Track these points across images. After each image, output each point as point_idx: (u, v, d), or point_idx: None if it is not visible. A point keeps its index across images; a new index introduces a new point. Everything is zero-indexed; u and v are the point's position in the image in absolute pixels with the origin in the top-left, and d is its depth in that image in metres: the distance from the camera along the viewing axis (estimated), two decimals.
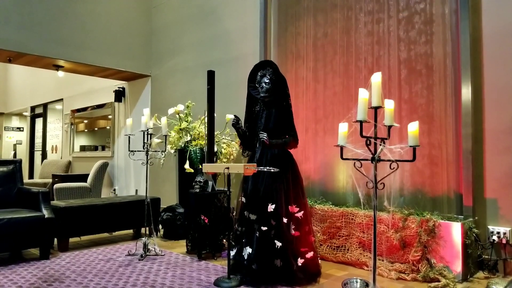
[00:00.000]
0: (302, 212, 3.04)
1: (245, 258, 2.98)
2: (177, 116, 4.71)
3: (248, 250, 2.97)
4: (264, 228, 2.94)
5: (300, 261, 2.93)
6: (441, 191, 3.38)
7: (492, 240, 3.15)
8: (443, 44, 3.42)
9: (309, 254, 3.00)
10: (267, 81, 3.16)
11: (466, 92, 3.26)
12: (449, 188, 3.34)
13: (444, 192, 3.36)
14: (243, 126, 3.30)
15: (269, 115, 3.18)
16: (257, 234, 2.95)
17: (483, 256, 3.18)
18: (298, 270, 2.91)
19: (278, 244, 2.91)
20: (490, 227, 3.19)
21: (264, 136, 3.08)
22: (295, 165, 3.19)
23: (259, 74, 3.24)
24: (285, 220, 2.96)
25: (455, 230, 3.02)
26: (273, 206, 2.96)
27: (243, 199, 3.16)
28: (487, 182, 3.23)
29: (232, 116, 3.38)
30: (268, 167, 2.96)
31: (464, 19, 3.30)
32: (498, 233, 3.13)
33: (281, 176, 3.02)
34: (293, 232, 2.98)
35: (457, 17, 3.36)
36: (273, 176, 3.01)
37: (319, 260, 3.14)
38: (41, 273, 3.18)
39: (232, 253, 3.11)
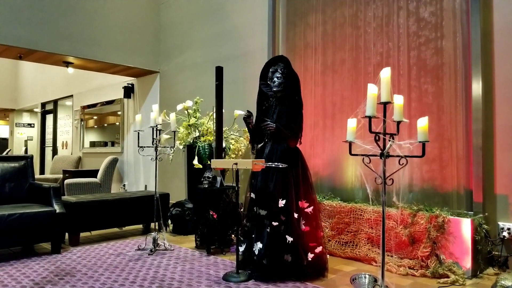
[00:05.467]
0: (312, 207, 3.04)
1: (256, 253, 2.99)
2: (186, 112, 4.73)
3: (259, 245, 2.98)
4: (275, 224, 2.95)
5: (310, 256, 2.94)
6: (450, 187, 3.36)
7: (502, 236, 3.13)
8: (453, 38, 3.38)
9: (318, 249, 3.00)
10: (279, 75, 3.16)
11: (477, 87, 3.23)
12: (459, 184, 3.32)
13: (454, 188, 3.34)
14: (254, 122, 3.29)
15: (282, 111, 3.16)
16: (268, 230, 2.96)
17: (493, 253, 3.15)
18: (308, 265, 2.93)
19: (290, 239, 2.91)
20: (500, 223, 3.16)
21: (271, 125, 3.05)
22: (304, 161, 3.19)
23: (270, 70, 3.24)
24: (295, 215, 2.97)
25: (465, 226, 3.00)
26: (284, 201, 2.97)
27: (252, 195, 3.17)
28: (497, 178, 3.20)
29: (240, 112, 3.39)
30: (276, 163, 2.96)
31: (475, 13, 3.26)
32: (509, 229, 3.11)
33: (291, 171, 3.02)
34: (303, 227, 2.99)
35: (467, 11, 3.31)
36: (283, 172, 3.01)
37: (327, 256, 3.14)
38: (53, 267, 3.23)
39: (241, 248, 3.13)
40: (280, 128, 3.05)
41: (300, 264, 2.91)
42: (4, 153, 10.67)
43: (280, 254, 2.92)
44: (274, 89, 3.18)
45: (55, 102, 9.98)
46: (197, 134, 4.63)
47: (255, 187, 3.15)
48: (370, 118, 2.26)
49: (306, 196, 3.06)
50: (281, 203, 2.97)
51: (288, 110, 3.14)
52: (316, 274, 2.96)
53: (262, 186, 3.09)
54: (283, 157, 3.06)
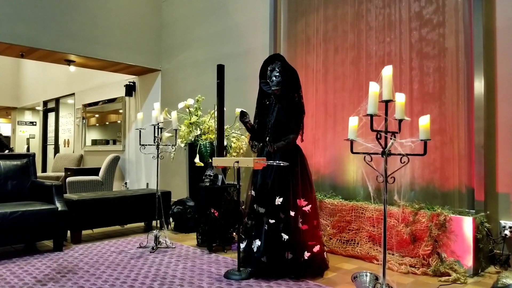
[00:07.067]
0: (310, 206, 3.04)
1: (255, 250, 3.01)
2: (187, 110, 4.73)
3: (257, 242, 3.01)
4: (272, 221, 2.97)
5: (306, 255, 2.94)
6: (452, 186, 3.35)
7: (504, 235, 3.13)
8: (456, 36, 3.37)
9: (316, 248, 3.00)
10: (277, 74, 3.17)
11: (479, 85, 3.22)
12: (460, 183, 3.31)
13: (455, 186, 3.33)
14: (251, 120, 3.31)
15: (281, 109, 3.17)
16: (266, 227, 2.99)
17: (495, 251, 3.15)
18: (305, 263, 2.93)
19: (285, 237, 2.93)
20: (502, 222, 3.16)
21: (269, 145, 3.11)
22: (304, 159, 3.19)
23: (269, 68, 3.24)
24: (292, 213, 2.97)
25: (466, 225, 3.00)
26: (281, 199, 2.98)
27: (253, 193, 3.18)
28: (499, 177, 3.19)
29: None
30: (277, 161, 2.96)
31: (477, 10, 3.24)
32: (510, 227, 3.10)
33: (290, 169, 3.02)
34: (300, 225, 2.99)
35: (470, 8, 3.30)
36: (282, 170, 3.02)
37: (326, 254, 3.14)
38: (55, 265, 3.25)
39: (242, 245, 3.13)
40: (279, 147, 3.09)
41: (299, 262, 2.92)
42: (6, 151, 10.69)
43: (279, 251, 2.93)
44: (273, 88, 3.19)
45: (57, 100, 9.99)
46: (199, 132, 4.63)
47: (256, 185, 3.17)
48: (371, 116, 2.25)
49: (305, 194, 3.06)
50: (278, 201, 2.98)
51: (287, 109, 3.15)
52: (314, 272, 2.95)
53: (261, 183, 3.12)
54: (282, 156, 3.07)
